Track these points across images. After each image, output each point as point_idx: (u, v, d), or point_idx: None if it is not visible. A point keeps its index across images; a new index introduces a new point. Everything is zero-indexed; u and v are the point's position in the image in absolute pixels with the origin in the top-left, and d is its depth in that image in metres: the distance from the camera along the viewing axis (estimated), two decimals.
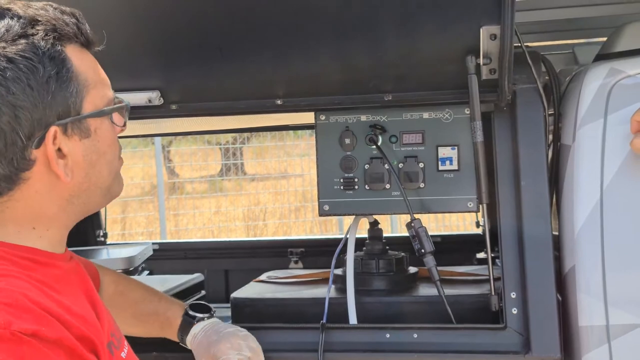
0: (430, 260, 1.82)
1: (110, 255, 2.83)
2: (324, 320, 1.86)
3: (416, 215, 1.87)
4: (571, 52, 2.59)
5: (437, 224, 7.66)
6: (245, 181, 11.14)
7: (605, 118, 1.73)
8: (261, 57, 1.75)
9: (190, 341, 1.76)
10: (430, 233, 1.90)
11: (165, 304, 1.82)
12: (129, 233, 9.64)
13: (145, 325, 1.81)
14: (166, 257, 3.53)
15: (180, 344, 1.79)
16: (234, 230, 10.01)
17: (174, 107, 1.90)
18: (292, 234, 9.90)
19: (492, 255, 3.44)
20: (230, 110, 1.90)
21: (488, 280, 2.26)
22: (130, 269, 2.68)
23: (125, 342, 1.42)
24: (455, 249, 3.23)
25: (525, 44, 1.84)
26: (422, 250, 1.82)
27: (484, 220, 1.79)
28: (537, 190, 1.77)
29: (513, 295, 1.77)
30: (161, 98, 1.85)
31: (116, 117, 1.36)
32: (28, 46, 1.22)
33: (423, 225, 1.85)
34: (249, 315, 2.07)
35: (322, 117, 1.98)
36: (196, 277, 2.57)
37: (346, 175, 1.96)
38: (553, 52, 2.76)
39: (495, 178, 1.84)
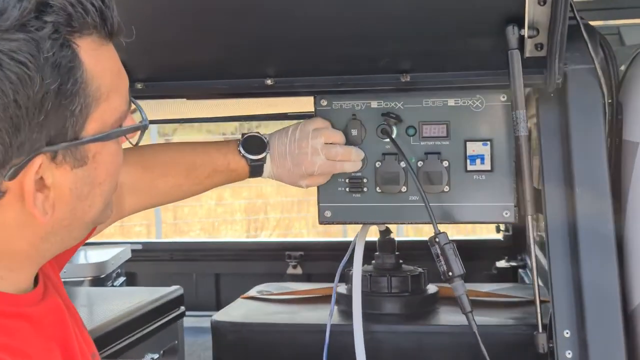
0: (459, 286, 1.45)
1: (77, 260, 2.46)
2: (325, 358, 1.50)
3: (440, 227, 1.50)
4: (616, 33, 2.25)
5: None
6: None
7: None
8: (246, 25, 1.37)
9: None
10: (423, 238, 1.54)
11: (216, 166, 1.56)
12: (127, 225, 9.40)
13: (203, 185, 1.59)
14: (150, 258, 3.28)
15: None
16: (234, 224, 9.75)
17: (139, 86, 1.57)
18: (293, 227, 9.67)
19: (515, 264, 3.13)
20: (208, 91, 1.54)
21: (523, 304, 1.91)
22: (102, 276, 2.32)
23: None
24: (469, 255, 2.80)
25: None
26: (450, 273, 1.45)
27: (531, 235, 1.41)
28: (597, 201, 1.40)
29: (567, 333, 1.40)
30: None
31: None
32: (27, 44, 0.88)
33: (448, 240, 1.47)
34: (233, 344, 1.74)
35: (324, 103, 1.61)
36: (173, 290, 2.21)
37: (353, 174, 1.59)
38: None
39: (541, 185, 1.46)
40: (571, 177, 1.43)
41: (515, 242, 3.12)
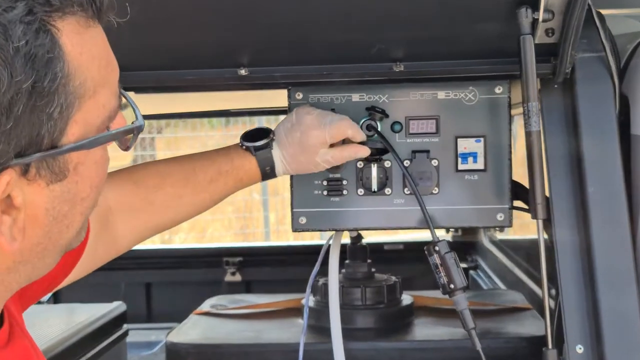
0: (462, 300, 1.29)
1: None
2: None
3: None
4: None
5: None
6: None
7: None
8: (216, 5, 1.19)
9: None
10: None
11: (220, 167, 1.37)
12: None
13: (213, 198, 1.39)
14: None
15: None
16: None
17: None
18: (208, 229, 9.41)
19: (465, 266, 3.01)
20: (172, 82, 1.34)
21: (503, 312, 1.78)
22: None
23: None
24: (415, 258, 2.66)
25: None
26: (452, 286, 1.29)
27: (541, 242, 1.27)
28: (612, 200, 1.27)
29: (580, 349, 1.26)
30: None
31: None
32: None
33: (449, 248, 1.32)
34: None
35: (299, 96, 1.44)
36: (116, 306, 1.98)
37: (331, 175, 1.42)
38: None
39: (549, 183, 1.32)
40: (582, 174, 1.30)
41: (465, 242, 3.01)
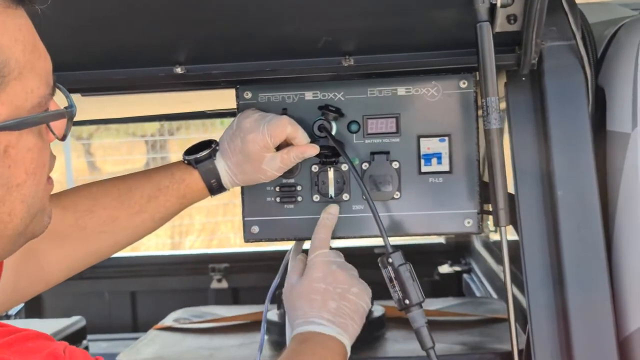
0: (419, 317, 1.18)
1: None
2: None
3: (391, 239, 1.23)
4: None
5: None
6: None
7: None
8: None
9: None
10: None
11: (159, 183, 1.28)
12: None
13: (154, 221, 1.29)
14: None
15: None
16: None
17: None
18: (219, 232, 9.36)
19: (459, 268, 2.89)
20: (101, 83, 1.23)
21: (479, 323, 1.66)
22: None
23: None
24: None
25: None
26: (407, 302, 1.17)
27: (504, 250, 1.15)
28: (583, 204, 1.15)
29: None
30: None
31: (55, 124, 0.86)
32: None
33: (404, 259, 1.20)
34: None
35: (248, 96, 1.33)
36: (75, 321, 1.88)
37: (284, 181, 1.31)
38: None
39: (514, 186, 1.20)
40: (550, 176, 1.18)
41: (458, 244, 2.89)
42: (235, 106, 1.36)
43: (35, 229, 0.88)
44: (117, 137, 10.29)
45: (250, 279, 2.88)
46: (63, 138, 0.87)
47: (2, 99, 0.78)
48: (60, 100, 0.87)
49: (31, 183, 0.83)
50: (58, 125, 0.85)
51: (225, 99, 1.52)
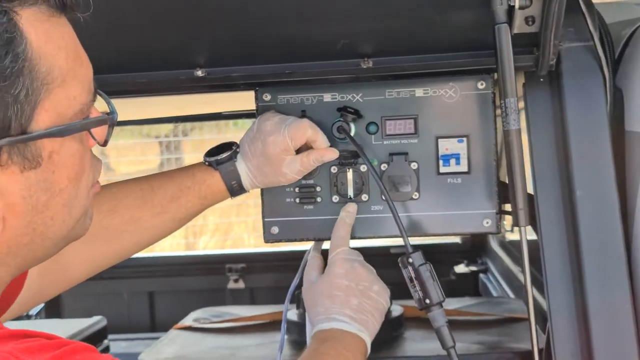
0: (439, 317, 1.19)
1: None
2: None
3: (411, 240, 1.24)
4: None
5: None
6: None
7: None
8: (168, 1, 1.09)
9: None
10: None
11: (181, 184, 1.29)
12: None
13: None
14: None
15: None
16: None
17: None
18: (232, 232, 9.37)
19: (475, 268, 2.89)
20: (122, 86, 1.25)
21: (497, 323, 1.67)
22: None
23: None
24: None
25: None
26: (427, 301, 1.18)
27: (524, 250, 1.16)
28: (602, 204, 1.16)
29: None
30: None
31: (96, 130, 0.88)
32: None
33: (424, 259, 1.21)
34: None
35: (267, 98, 1.34)
36: (96, 321, 1.90)
37: (304, 182, 1.32)
38: None
39: (533, 186, 1.21)
40: (569, 176, 1.18)
41: (474, 244, 2.89)
42: (253, 107, 1.37)
43: (78, 231, 0.90)
44: (131, 138, 10.31)
45: (266, 279, 2.89)
46: (104, 144, 0.90)
47: (46, 106, 0.79)
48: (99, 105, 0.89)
49: (72, 188, 0.85)
50: (99, 131, 0.87)
51: (243, 100, 1.54)
